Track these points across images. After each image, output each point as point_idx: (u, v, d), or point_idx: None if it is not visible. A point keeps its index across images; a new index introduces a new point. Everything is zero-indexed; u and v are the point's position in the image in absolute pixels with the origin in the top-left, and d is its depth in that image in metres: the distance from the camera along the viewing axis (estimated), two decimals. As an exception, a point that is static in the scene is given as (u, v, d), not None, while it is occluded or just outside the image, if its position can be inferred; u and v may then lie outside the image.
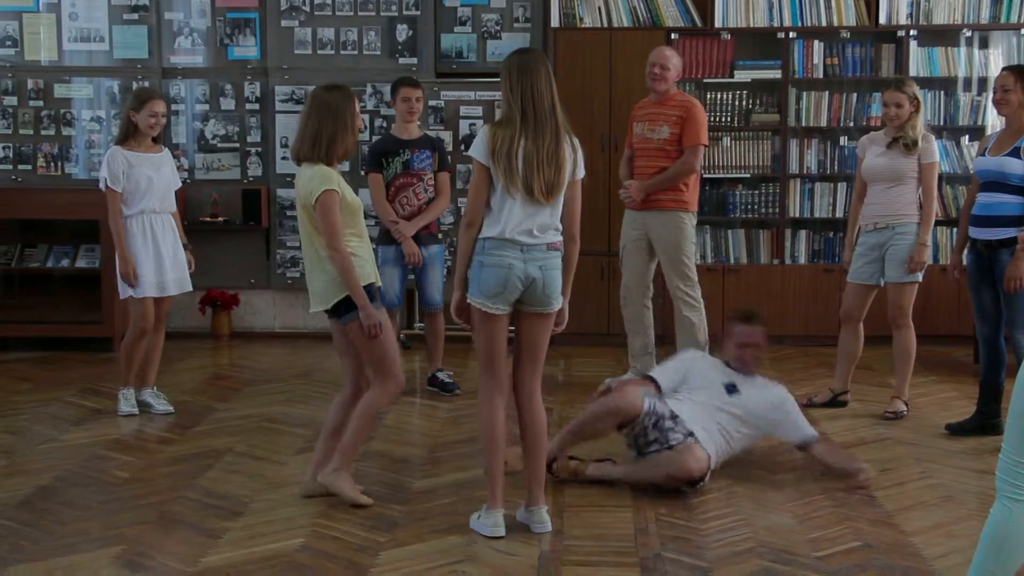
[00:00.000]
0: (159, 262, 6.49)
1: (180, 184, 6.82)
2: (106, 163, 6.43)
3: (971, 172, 6.41)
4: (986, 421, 6.05)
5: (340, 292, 4.83)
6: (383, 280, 6.78)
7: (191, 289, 6.76)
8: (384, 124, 8.78)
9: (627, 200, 7.03)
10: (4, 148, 8.97)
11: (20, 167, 8.96)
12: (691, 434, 5.18)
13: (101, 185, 6.44)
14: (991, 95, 6.12)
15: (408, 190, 6.93)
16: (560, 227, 4.61)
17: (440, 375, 7.09)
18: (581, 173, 4.64)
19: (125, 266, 6.38)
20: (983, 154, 6.11)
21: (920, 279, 6.51)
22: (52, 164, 8.97)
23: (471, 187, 4.58)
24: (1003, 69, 6.14)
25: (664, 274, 7.09)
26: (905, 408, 6.51)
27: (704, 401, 5.35)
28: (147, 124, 6.43)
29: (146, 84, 8.75)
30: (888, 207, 6.47)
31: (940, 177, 8.50)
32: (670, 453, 5.17)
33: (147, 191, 6.44)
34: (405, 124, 7.03)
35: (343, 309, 4.86)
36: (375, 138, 8.13)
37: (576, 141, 4.62)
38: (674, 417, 5.22)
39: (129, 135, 6.47)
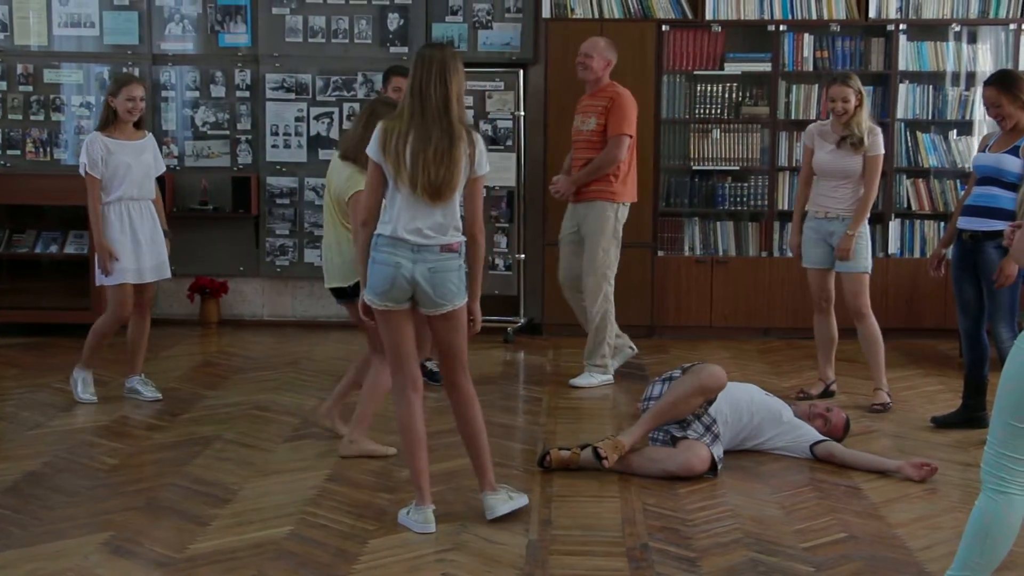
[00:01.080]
0: (137, 249, 6.45)
1: (163, 170, 6.78)
2: (85, 148, 6.40)
3: (968, 169, 6.40)
4: (971, 414, 6.09)
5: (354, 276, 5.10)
6: None
7: (169, 276, 6.72)
8: (374, 113, 8.79)
9: (557, 195, 7.12)
10: (-7, 133, 8.96)
11: (9, 152, 8.94)
12: (708, 431, 5.28)
13: (81, 171, 6.42)
14: (984, 110, 6.05)
15: None
16: (458, 222, 4.55)
17: (428, 364, 7.09)
18: (482, 170, 4.55)
19: (102, 254, 6.36)
20: (984, 151, 6.13)
21: (869, 269, 6.57)
22: (41, 150, 8.95)
23: (365, 185, 4.60)
24: (985, 85, 6.07)
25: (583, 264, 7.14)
26: (888, 398, 6.56)
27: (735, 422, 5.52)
28: (125, 109, 6.39)
29: (136, 70, 8.74)
30: (840, 201, 6.55)
31: (927, 172, 8.57)
32: (672, 450, 5.22)
33: (126, 178, 6.40)
34: None
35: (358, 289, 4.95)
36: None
37: (476, 137, 4.54)
38: (712, 419, 5.36)
39: (109, 121, 6.44)
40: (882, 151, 6.54)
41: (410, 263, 4.45)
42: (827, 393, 6.74)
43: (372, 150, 4.49)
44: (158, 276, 6.60)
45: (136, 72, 8.77)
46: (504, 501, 4.66)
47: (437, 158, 4.41)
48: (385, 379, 5.18)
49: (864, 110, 6.51)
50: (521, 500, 4.71)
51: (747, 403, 5.56)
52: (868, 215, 6.56)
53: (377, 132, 4.50)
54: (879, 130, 6.58)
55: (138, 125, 6.56)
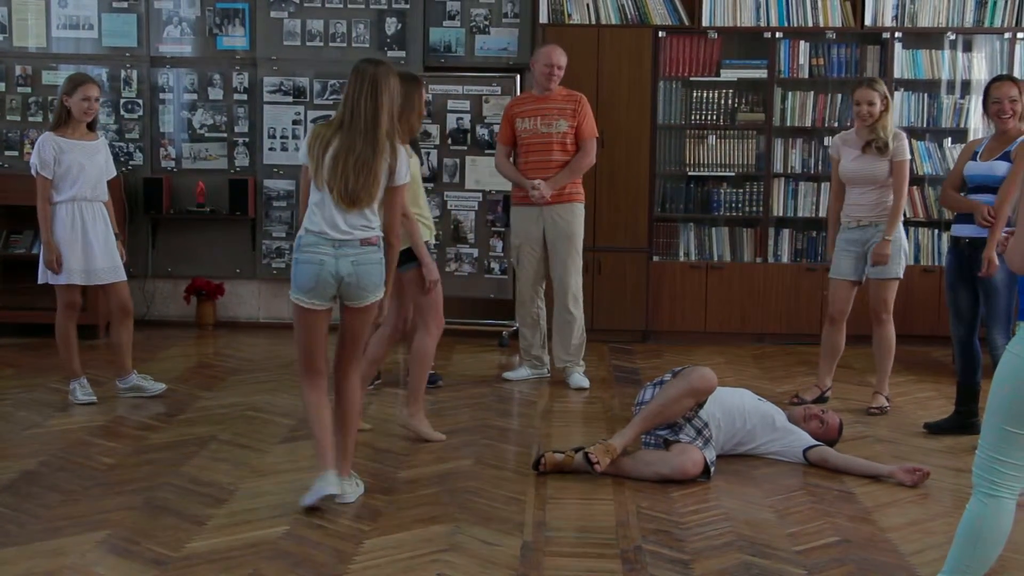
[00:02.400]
0: (87, 250, 6.44)
1: (115, 173, 6.78)
2: (37, 149, 6.39)
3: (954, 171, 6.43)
4: (964, 420, 6.12)
5: (403, 244, 5.38)
6: None
7: (125, 279, 6.67)
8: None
9: (540, 200, 7.02)
10: (-9, 134, 8.97)
11: (7, 153, 8.96)
12: (700, 435, 5.30)
13: (32, 171, 6.41)
14: (988, 106, 6.04)
15: None
16: (377, 220, 4.76)
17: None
18: (400, 181, 4.77)
19: (49, 254, 6.35)
20: (974, 158, 6.17)
21: (901, 275, 6.59)
22: (39, 151, 8.95)
23: (300, 188, 4.76)
24: (1004, 79, 6.09)
25: (556, 268, 7.15)
26: (887, 403, 6.60)
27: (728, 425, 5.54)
28: (80, 109, 6.39)
29: (134, 73, 8.77)
30: (870, 208, 6.55)
31: (922, 179, 8.60)
32: (666, 453, 5.25)
33: (78, 178, 6.39)
34: None
35: (403, 259, 5.28)
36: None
37: (399, 150, 4.75)
38: (704, 423, 5.38)
39: (62, 121, 6.44)
40: (908, 156, 6.57)
41: (333, 259, 4.66)
42: (821, 399, 6.77)
43: (302, 151, 4.75)
44: (113, 279, 6.56)
45: (134, 74, 8.79)
46: (353, 489, 4.87)
47: (357, 167, 4.64)
48: (429, 344, 5.87)
49: (890, 115, 6.54)
50: (360, 491, 4.93)
51: (740, 408, 5.59)
52: (901, 219, 6.57)
53: (307, 135, 4.76)
54: (904, 135, 6.61)
55: (91, 127, 6.55)
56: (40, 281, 6.51)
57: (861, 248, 6.60)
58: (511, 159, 7.22)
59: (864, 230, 6.58)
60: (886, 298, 6.57)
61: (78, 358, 6.59)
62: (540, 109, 7.10)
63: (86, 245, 6.44)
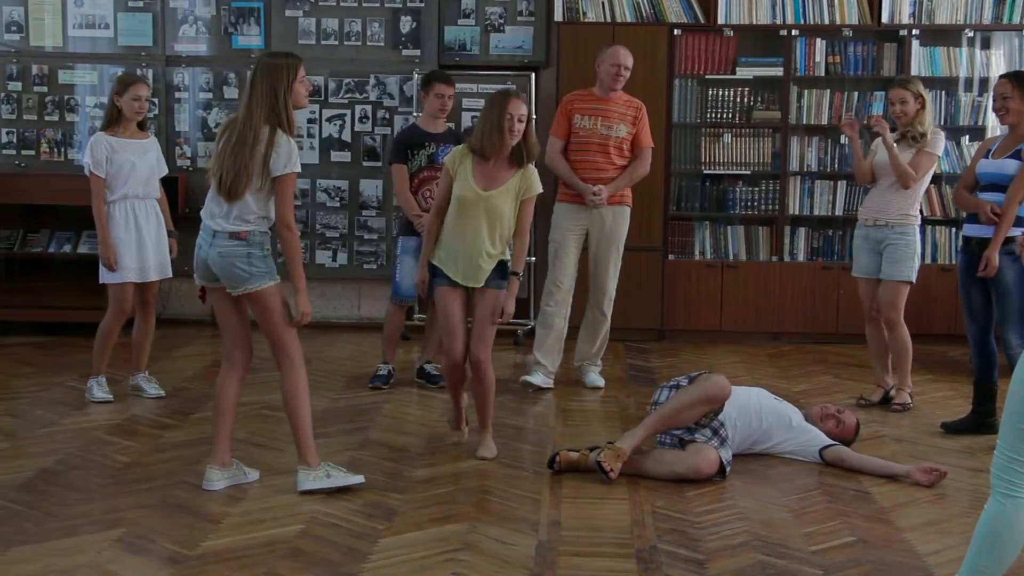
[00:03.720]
0: (141, 248, 6.49)
1: (167, 171, 6.82)
2: (89, 149, 6.45)
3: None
4: (981, 420, 6.10)
5: (500, 256, 5.49)
6: (402, 270, 6.87)
7: (171, 275, 6.76)
8: (386, 115, 8.83)
9: (599, 204, 6.95)
10: (8, 133, 9.00)
11: (24, 152, 8.99)
12: (716, 435, 5.30)
13: (86, 171, 6.46)
14: (991, 103, 6.10)
15: (432, 183, 6.83)
16: (256, 215, 4.84)
17: (428, 367, 7.10)
18: (278, 171, 4.77)
19: (106, 251, 6.41)
20: (986, 157, 6.14)
21: (914, 279, 6.56)
22: (55, 150, 9.00)
23: None
24: (1001, 77, 6.13)
25: (597, 269, 7.11)
26: (910, 400, 6.59)
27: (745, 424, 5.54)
28: (132, 109, 6.43)
29: (149, 72, 8.78)
30: (889, 205, 6.52)
31: (939, 177, 8.56)
32: (681, 452, 5.25)
33: (130, 177, 6.44)
34: (433, 119, 7.02)
35: (499, 274, 5.49)
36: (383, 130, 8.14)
37: (279, 139, 4.76)
38: (720, 423, 5.37)
39: (113, 120, 6.48)
40: (939, 152, 6.55)
41: (207, 247, 4.89)
42: (886, 399, 6.72)
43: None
44: (160, 275, 6.64)
45: (150, 73, 8.81)
46: (317, 478, 4.93)
47: (233, 158, 4.74)
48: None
49: (926, 113, 6.51)
50: (341, 479, 4.98)
51: (756, 407, 5.58)
52: (918, 221, 6.57)
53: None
54: (943, 134, 6.61)
55: (141, 126, 6.59)
56: (101, 281, 6.56)
57: (877, 247, 6.58)
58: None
59: (879, 230, 6.56)
60: (895, 303, 6.55)
61: (107, 359, 6.61)
62: (601, 110, 7.02)
63: (140, 243, 6.50)
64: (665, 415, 5.30)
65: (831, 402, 6.28)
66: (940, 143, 6.54)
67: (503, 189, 5.41)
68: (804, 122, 8.69)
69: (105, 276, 6.49)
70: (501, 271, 5.47)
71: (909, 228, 6.54)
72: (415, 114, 8.12)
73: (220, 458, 5.02)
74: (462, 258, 5.45)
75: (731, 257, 8.74)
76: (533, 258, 8.69)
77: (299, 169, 4.86)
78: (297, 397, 4.97)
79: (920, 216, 6.63)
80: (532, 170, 5.49)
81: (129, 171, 6.44)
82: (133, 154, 6.47)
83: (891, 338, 6.62)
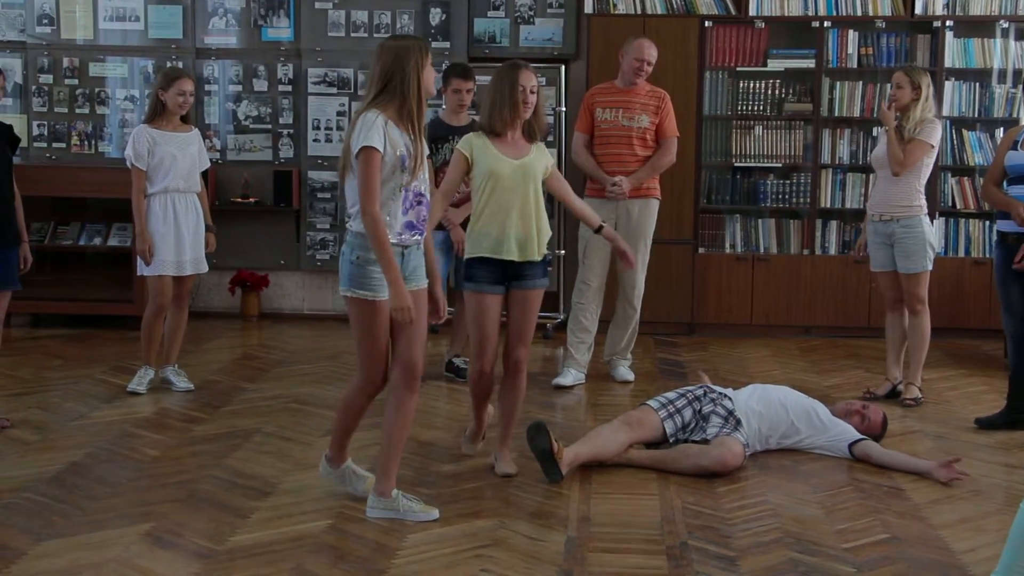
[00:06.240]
0: (179, 242, 6.52)
1: (208, 165, 6.84)
2: (132, 141, 6.48)
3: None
4: (1015, 416, 6.03)
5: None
6: None
7: (207, 270, 6.79)
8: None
9: (619, 196, 6.87)
10: (39, 126, 9.03)
11: (54, 145, 9.03)
12: (727, 421, 5.27)
13: (127, 163, 6.50)
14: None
15: None
16: (356, 207, 4.44)
17: (456, 360, 7.08)
18: (356, 147, 4.34)
19: (143, 244, 6.44)
20: (1015, 148, 6.07)
21: (930, 267, 6.52)
22: (86, 142, 9.03)
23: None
24: None
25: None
26: (920, 393, 6.53)
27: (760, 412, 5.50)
28: (175, 103, 6.47)
29: (179, 64, 8.79)
30: (891, 198, 6.50)
31: (972, 170, 8.48)
32: (705, 446, 5.21)
33: (171, 170, 6.47)
34: (456, 112, 6.98)
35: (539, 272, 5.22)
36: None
37: (367, 115, 4.39)
38: (729, 412, 5.36)
39: (157, 113, 6.52)
40: (929, 141, 6.43)
41: None
42: (893, 393, 6.66)
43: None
44: (196, 270, 6.66)
45: (180, 66, 8.82)
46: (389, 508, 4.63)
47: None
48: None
49: (920, 105, 6.43)
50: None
51: (781, 400, 5.54)
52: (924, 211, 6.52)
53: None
54: (937, 124, 6.52)
55: (185, 119, 6.61)
56: (138, 273, 6.62)
57: (888, 240, 6.56)
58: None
59: (887, 225, 6.54)
60: (917, 292, 6.50)
61: (155, 351, 6.65)
62: (623, 101, 6.97)
63: (177, 237, 6.52)
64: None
65: (844, 398, 6.24)
66: (935, 133, 6.46)
67: (532, 157, 5.14)
68: (836, 114, 8.61)
69: (143, 269, 6.52)
70: (543, 268, 5.28)
71: (914, 220, 6.48)
72: (441, 107, 8.09)
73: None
74: (514, 231, 5.04)
75: (762, 250, 8.68)
76: (563, 251, 8.66)
77: (375, 144, 4.33)
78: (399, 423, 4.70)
79: (926, 205, 6.55)
80: (542, 145, 5.26)
81: (171, 164, 6.46)
82: (175, 147, 6.50)
83: (912, 324, 6.56)
